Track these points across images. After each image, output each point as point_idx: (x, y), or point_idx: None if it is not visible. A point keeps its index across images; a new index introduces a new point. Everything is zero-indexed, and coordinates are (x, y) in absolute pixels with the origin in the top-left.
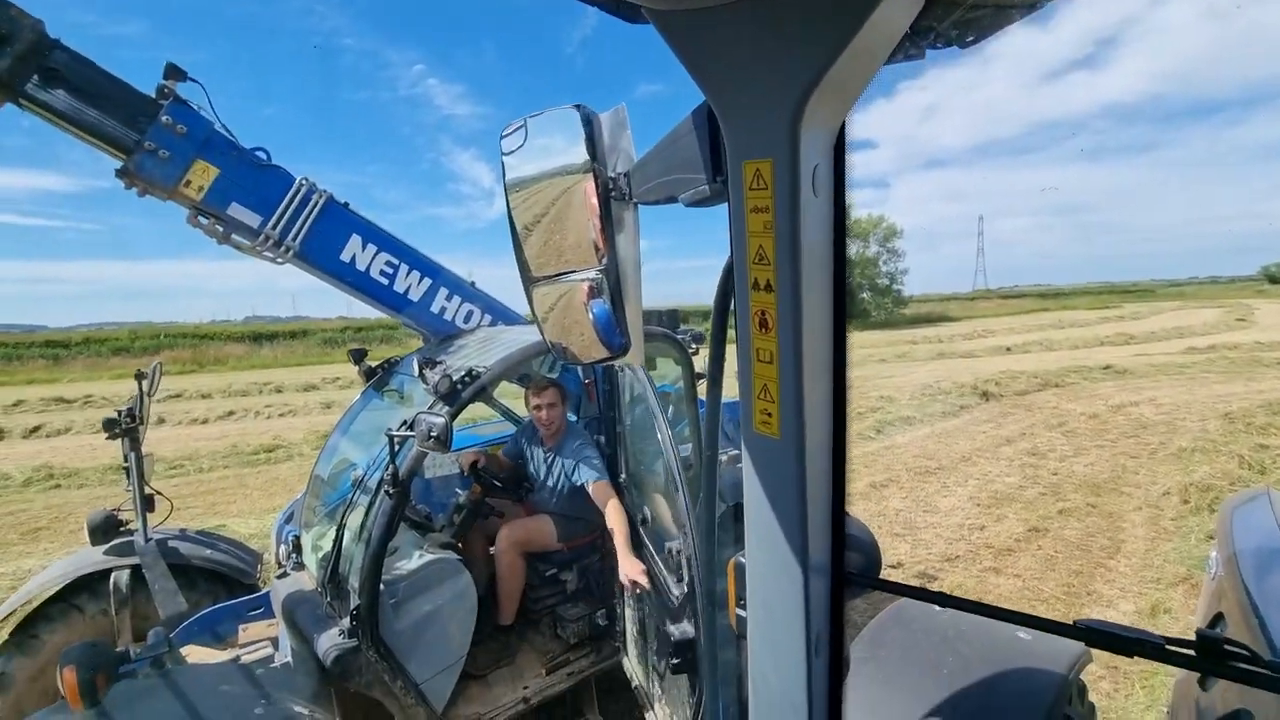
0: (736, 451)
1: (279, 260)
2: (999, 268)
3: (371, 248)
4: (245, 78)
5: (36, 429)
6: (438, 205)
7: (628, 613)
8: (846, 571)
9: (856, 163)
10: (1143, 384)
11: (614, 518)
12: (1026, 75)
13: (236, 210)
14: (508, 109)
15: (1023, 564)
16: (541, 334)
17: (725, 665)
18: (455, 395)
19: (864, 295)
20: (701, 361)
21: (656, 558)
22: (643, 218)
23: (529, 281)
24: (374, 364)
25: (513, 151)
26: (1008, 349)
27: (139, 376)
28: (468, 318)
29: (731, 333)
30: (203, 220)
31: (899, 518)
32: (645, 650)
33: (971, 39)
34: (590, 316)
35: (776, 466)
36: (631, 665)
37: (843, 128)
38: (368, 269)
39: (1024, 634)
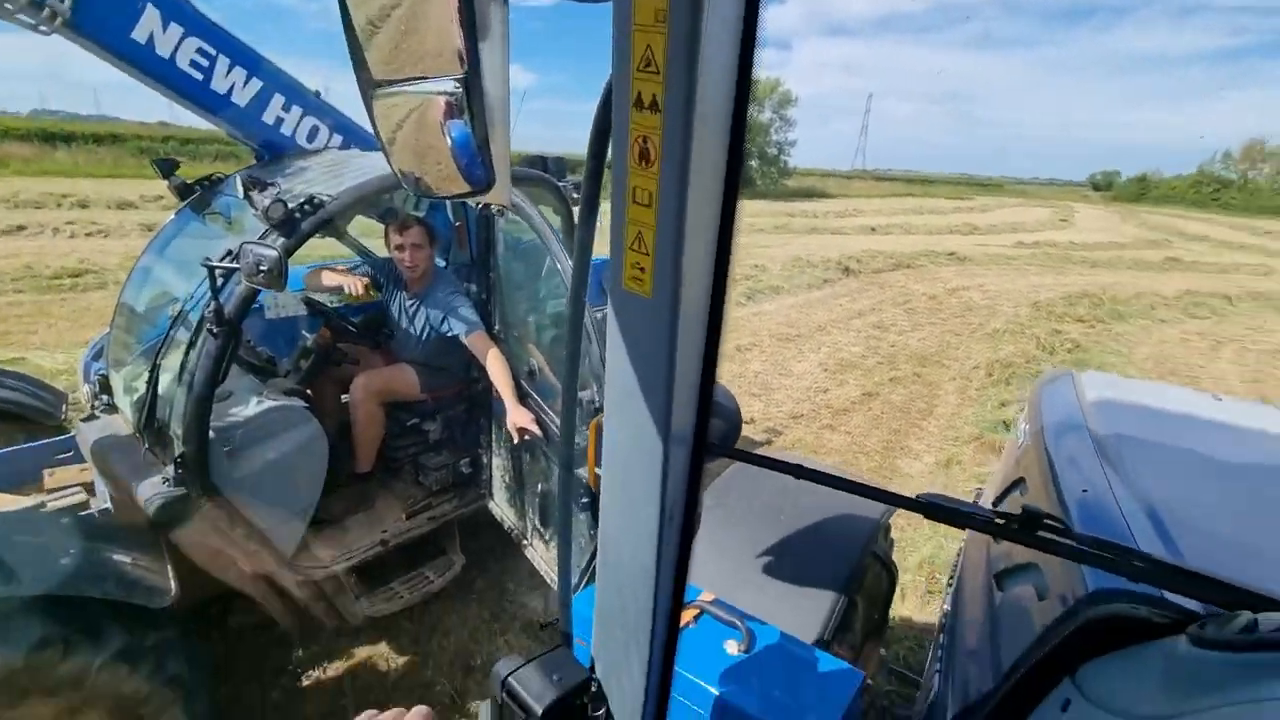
0: (601, 310)
1: (43, 29)
2: (879, 149)
3: (176, 29)
4: None
5: None
6: None
7: (495, 460)
8: (709, 442)
9: (762, 17)
10: (977, 271)
11: (496, 369)
12: None
13: None
14: None
15: (854, 423)
16: (387, 158)
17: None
18: (292, 225)
19: (752, 163)
20: None
21: (545, 407)
22: (540, 48)
23: (367, 85)
24: (190, 180)
25: None
26: (873, 229)
27: None
28: (312, 135)
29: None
30: None
31: (757, 380)
32: (518, 495)
33: None
34: (448, 140)
35: (645, 329)
36: (501, 509)
37: None
38: (172, 56)
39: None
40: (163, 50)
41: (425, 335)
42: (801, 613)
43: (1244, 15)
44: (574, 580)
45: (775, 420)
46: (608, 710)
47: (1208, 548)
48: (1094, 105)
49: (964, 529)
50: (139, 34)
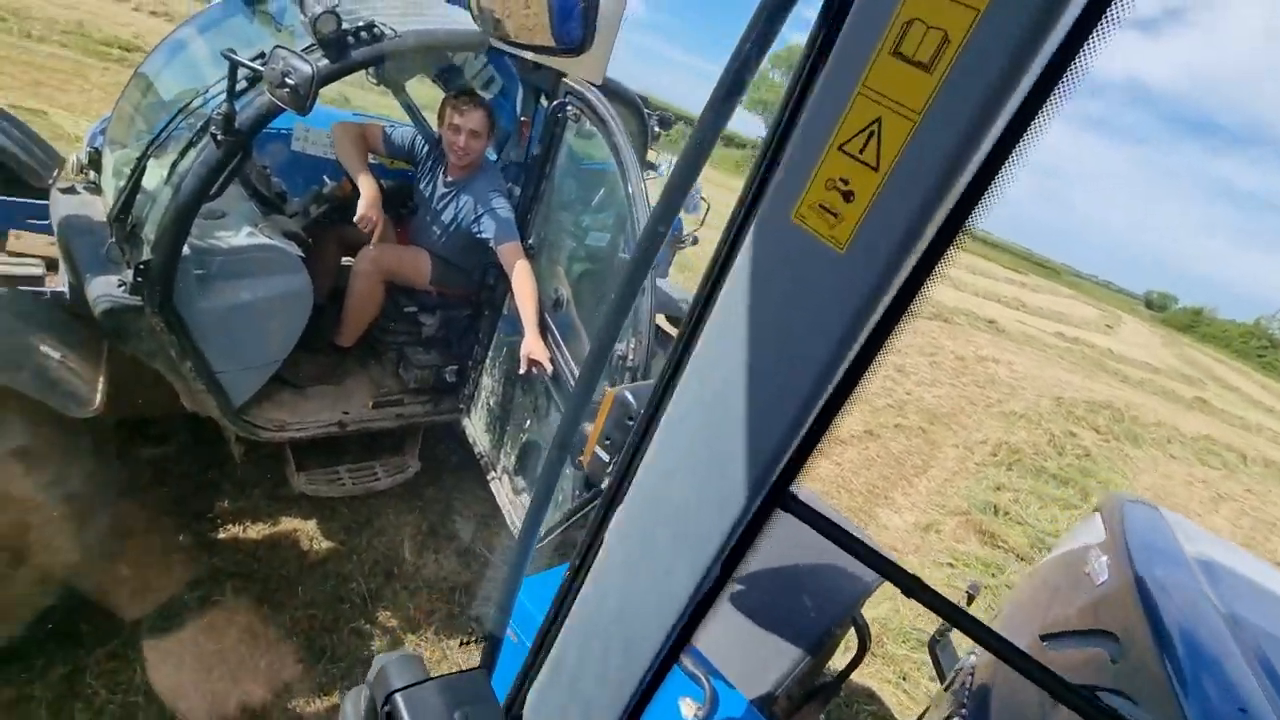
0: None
1: None
2: None
3: None
4: None
5: None
6: None
7: (486, 379)
8: (793, 495)
9: None
10: (1011, 347)
11: (524, 287)
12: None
13: None
14: None
15: (847, 456)
16: None
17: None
18: (340, 47)
19: None
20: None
21: (563, 345)
22: None
23: None
24: None
25: None
26: None
27: None
28: None
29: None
30: None
31: None
32: (499, 423)
33: None
34: None
35: (815, 291)
36: (475, 431)
37: None
38: None
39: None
40: None
41: (453, 227)
42: (762, 664)
43: None
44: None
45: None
46: None
47: None
48: (1175, 222)
49: (1039, 687)
50: None
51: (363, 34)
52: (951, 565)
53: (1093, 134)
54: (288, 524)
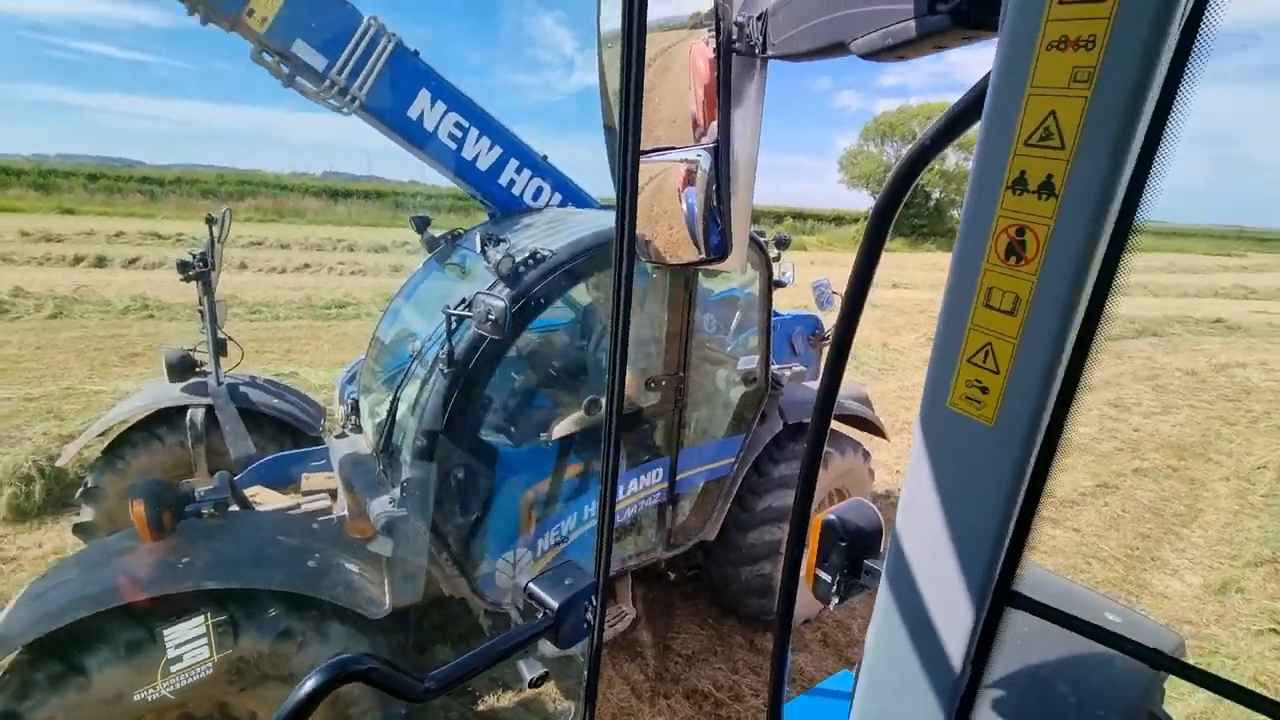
0: (801, 368)
1: (345, 110)
2: None
3: (441, 106)
4: None
5: (134, 260)
6: (515, 71)
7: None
8: (1014, 592)
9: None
10: (1255, 344)
11: None
12: None
13: (301, 49)
14: None
15: (1084, 519)
16: None
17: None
18: (517, 277)
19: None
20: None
21: None
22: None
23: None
24: (437, 234)
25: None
26: None
27: (209, 221)
28: (537, 194)
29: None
30: (267, 58)
31: None
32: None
33: None
34: (683, 208)
35: (976, 463)
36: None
37: None
38: (435, 129)
39: (1113, 615)
40: (429, 124)
41: None
42: None
43: None
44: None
45: None
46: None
47: None
48: None
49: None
50: (413, 111)
51: (530, 261)
52: (1276, 631)
53: (1259, 86)
54: (529, 690)
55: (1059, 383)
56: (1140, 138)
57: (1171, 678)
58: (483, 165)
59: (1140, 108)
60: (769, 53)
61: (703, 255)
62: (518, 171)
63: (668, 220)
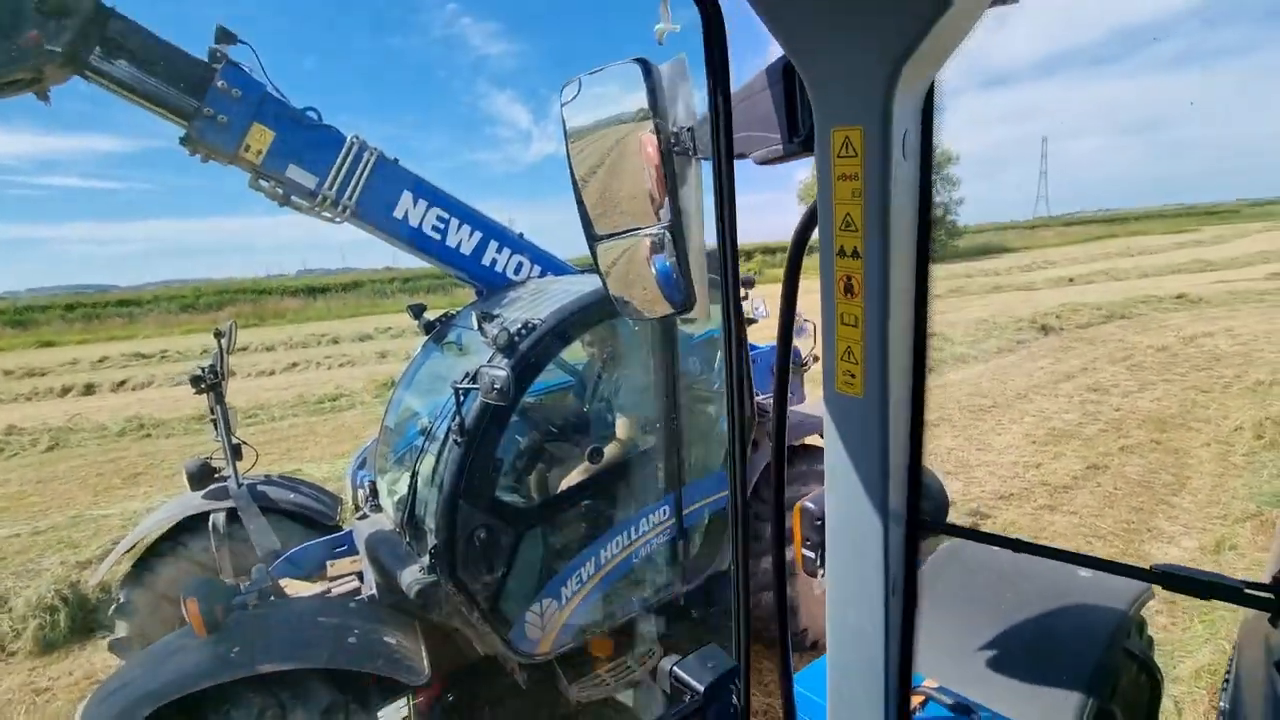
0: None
1: (337, 219)
2: (1063, 193)
3: (423, 203)
4: (280, 31)
5: (122, 383)
6: (475, 150)
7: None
8: (921, 518)
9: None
10: (1219, 314)
11: None
12: None
13: (294, 172)
14: (544, 46)
15: (1080, 501)
16: (605, 288)
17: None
18: (514, 347)
19: None
20: (745, 305)
21: None
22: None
23: (592, 239)
24: (431, 318)
25: (570, 102)
26: (1070, 280)
27: (218, 335)
28: (517, 269)
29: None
30: (263, 183)
31: (951, 457)
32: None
33: None
34: (653, 271)
35: (859, 424)
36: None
37: (932, 86)
38: (420, 225)
39: (1084, 572)
40: (414, 221)
41: None
42: (1042, 712)
43: None
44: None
45: (980, 501)
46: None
47: None
48: None
49: (1208, 600)
50: (398, 212)
51: (523, 331)
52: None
53: (1178, 72)
54: None
55: (895, 360)
56: (900, 221)
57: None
58: (466, 250)
59: (889, 208)
60: (699, 154)
61: (671, 309)
62: (498, 251)
63: (641, 283)
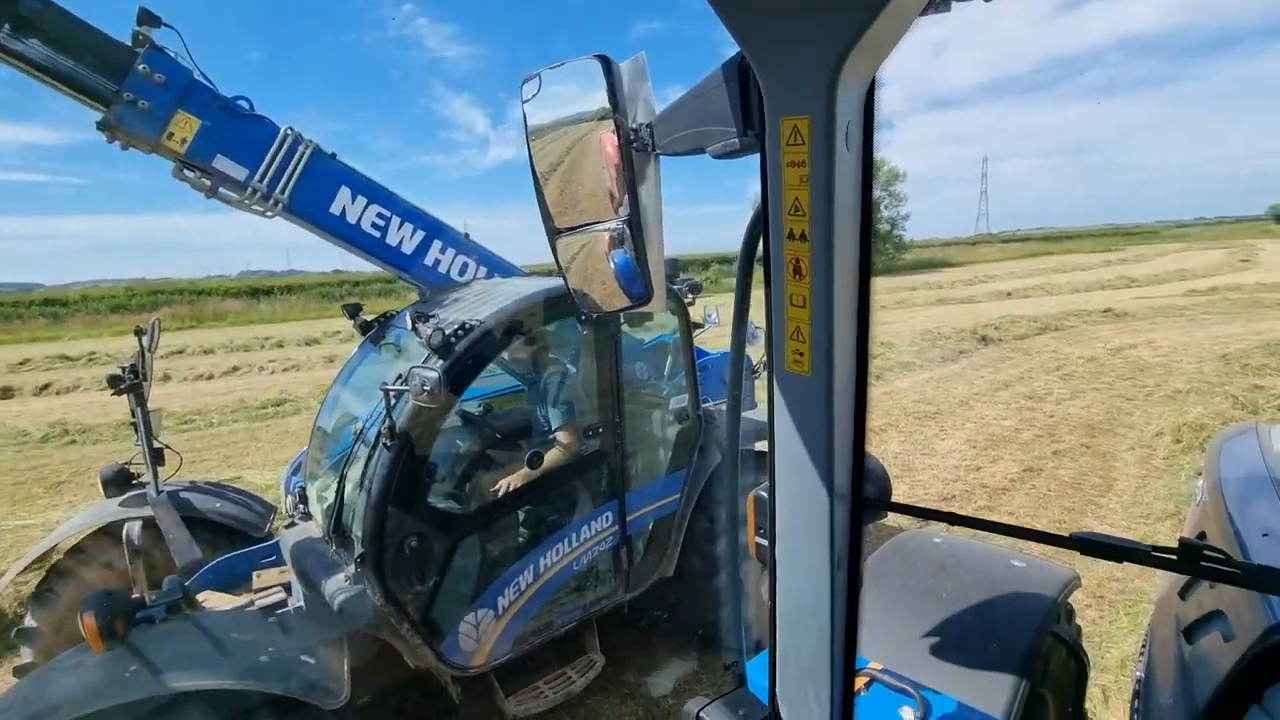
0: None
1: (268, 214)
2: (1002, 211)
3: (362, 200)
4: (227, 21)
5: (46, 386)
6: (430, 153)
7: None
8: (865, 496)
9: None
10: (1142, 327)
11: None
12: (1042, 8)
13: (222, 163)
14: (501, 49)
15: (1017, 502)
16: (565, 283)
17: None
18: (449, 349)
19: None
20: (698, 311)
21: None
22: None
23: (552, 233)
24: (369, 318)
25: (531, 99)
26: (1008, 294)
27: (138, 333)
28: (463, 270)
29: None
30: (189, 173)
31: (898, 460)
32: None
33: None
34: (611, 266)
35: (806, 401)
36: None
37: (873, 83)
38: (358, 222)
39: (1016, 561)
40: (351, 218)
41: None
42: (979, 692)
43: None
44: (743, 649)
45: (924, 502)
46: None
47: None
48: (1254, 135)
49: (1121, 562)
50: (335, 208)
51: (460, 333)
52: None
53: (1105, 99)
54: None
55: (840, 339)
56: (844, 207)
57: (1074, 602)
58: (408, 249)
59: (833, 192)
60: (657, 150)
61: (630, 302)
62: (442, 251)
63: (600, 278)
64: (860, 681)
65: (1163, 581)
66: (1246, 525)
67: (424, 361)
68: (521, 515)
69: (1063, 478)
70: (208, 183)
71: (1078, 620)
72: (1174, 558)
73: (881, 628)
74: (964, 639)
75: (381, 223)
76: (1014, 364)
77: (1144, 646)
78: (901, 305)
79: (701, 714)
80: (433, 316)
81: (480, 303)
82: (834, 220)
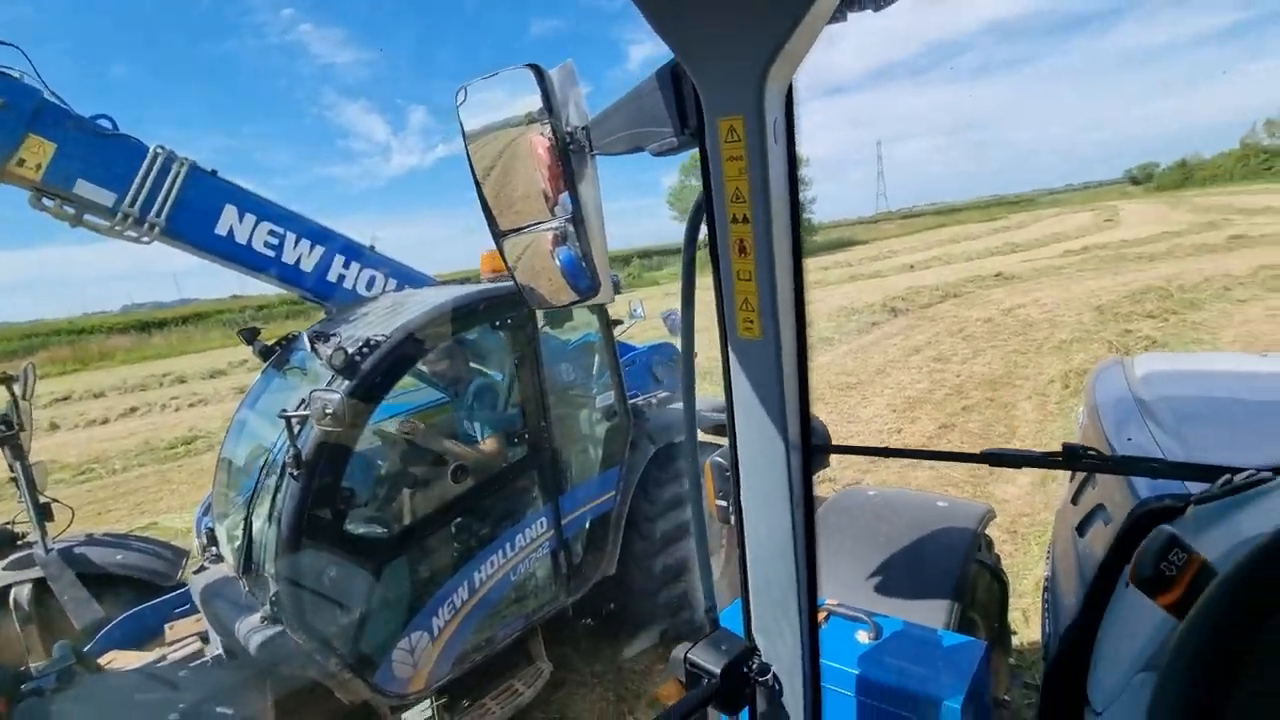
0: (665, 394)
1: (144, 239)
2: (899, 190)
3: (250, 218)
4: (82, 36)
5: None
6: (329, 165)
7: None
8: (813, 444)
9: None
10: (1028, 287)
11: None
12: None
13: (85, 188)
14: (397, 52)
15: None
16: (514, 281)
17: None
18: (353, 368)
19: None
20: (623, 307)
21: None
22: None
23: (498, 235)
24: (269, 343)
25: (466, 106)
26: (911, 266)
27: (6, 381)
28: (370, 284)
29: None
30: (48, 202)
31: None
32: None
33: (881, 5)
34: (557, 263)
35: (759, 361)
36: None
37: (791, 85)
38: (249, 241)
39: (941, 502)
40: (240, 238)
41: None
42: (921, 614)
43: None
44: (714, 601)
45: (855, 464)
46: (773, 673)
47: (1228, 454)
48: (1111, 106)
49: (1020, 468)
50: (221, 228)
51: (365, 350)
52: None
53: (981, 80)
54: None
55: (783, 305)
56: (777, 191)
57: (989, 535)
58: (307, 267)
59: (768, 180)
60: (594, 151)
61: (577, 296)
62: (345, 266)
63: (546, 274)
64: (820, 616)
65: (1062, 496)
66: (1117, 436)
67: (327, 383)
68: (452, 531)
69: (973, 430)
70: (71, 210)
71: (996, 550)
72: (1061, 459)
73: (833, 573)
74: (904, 572)
75: (275, 241)
76: (921, 331)
77: (1049, 553)
78: (819, 285)
79: (689, 655)
80: (334, 335)
81: (389, 317)
82: (770, 202)
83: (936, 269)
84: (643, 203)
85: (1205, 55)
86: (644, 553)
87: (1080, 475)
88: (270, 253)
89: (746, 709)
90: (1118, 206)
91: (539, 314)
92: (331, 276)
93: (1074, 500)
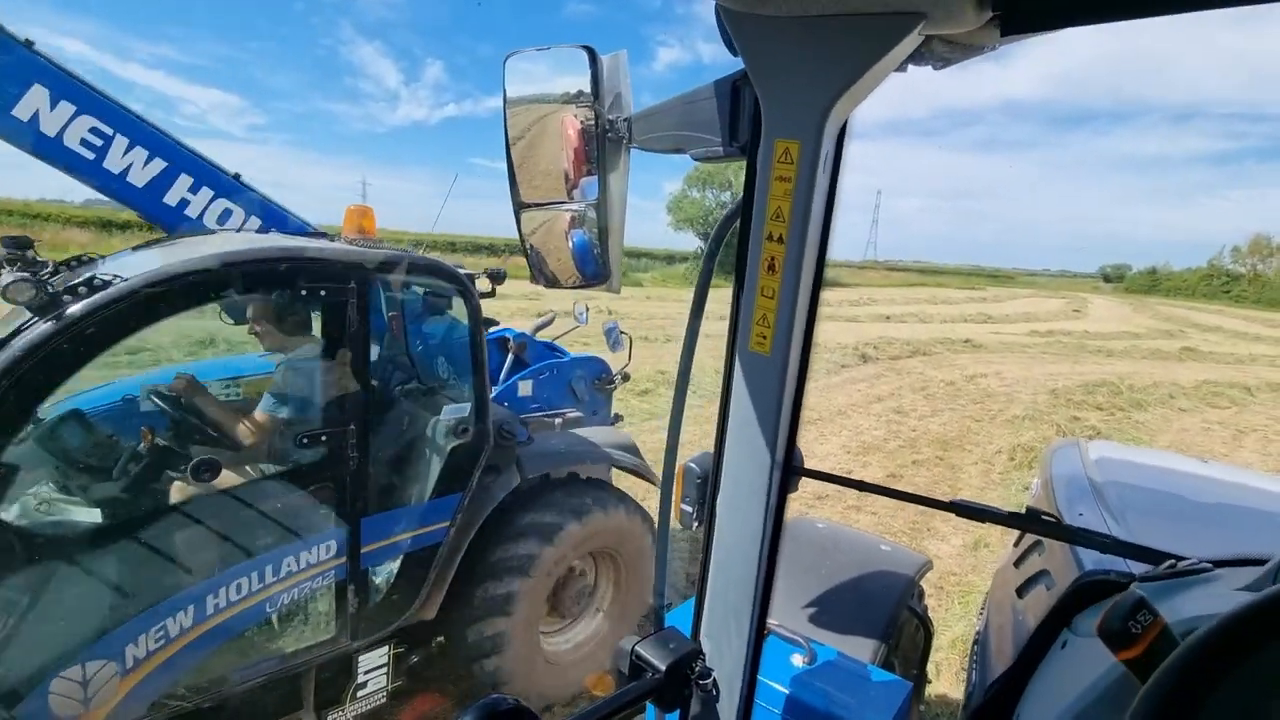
0: (576, 414)
1: None
2: (888, 241)
3: (66, 106)
4: None
5: None
6: (331, 100)
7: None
8: (795, 465)
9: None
10: (993, 358)
11: None
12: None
13: None
14: (423, 6)
15: (880, 504)
16: (524, 253)
17: None
18: (55, 306)
19: None
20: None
21: None
22: None
23: (518, 205)
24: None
25: (513, 73)
26: (887, 317)
27: None
28: (224, 218)
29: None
30: None
31: None
32: None
33: (942, 65)
34: (570, 245)
35: (764, 377)
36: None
37: (847, 122)
38: (60, 135)
39: (884, 545)
40: (49, 128)
41: None
42: (852, 647)
43: (1239, 122)
44: (665, 599)
45: (802, 499)
46: (713, 679)
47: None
48: (1098, 202)
49: (984, 523)
50: (21, 112)
51: (80, 289)
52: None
53: (985, 153)
54: None
55: (798, 327)
56: (815, 218)
57: (924, 585)
58: (138, 181)
59: (810, 206)
60: (633, 144)
61: (582, 280)
62: (191, 190)
63: (557, 254)
64: None
65: (1003, 559)
66: (1068, 510)
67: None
68: (187, 534)
69: (919, 484)
70: None
71: (926, 601)
72: (1023, 518)
73: (776, 595)
74: (840, 606)
75: (99, 141)
76: (887, 381)
77: (983, 609)
78: None
79: (637, 648)
80: (63, 266)
81: (177, 253)
82: (808, 228)
83: (911, 324)
84: (641, 204)
85: (1193, 174)
86: (483, 599)
87: (1026, 541)
88: (89, 154)
89: (678, 711)
90: (1087, 299)
91: (396, 291)
92: (170, 199)
93: (1016, 564)
